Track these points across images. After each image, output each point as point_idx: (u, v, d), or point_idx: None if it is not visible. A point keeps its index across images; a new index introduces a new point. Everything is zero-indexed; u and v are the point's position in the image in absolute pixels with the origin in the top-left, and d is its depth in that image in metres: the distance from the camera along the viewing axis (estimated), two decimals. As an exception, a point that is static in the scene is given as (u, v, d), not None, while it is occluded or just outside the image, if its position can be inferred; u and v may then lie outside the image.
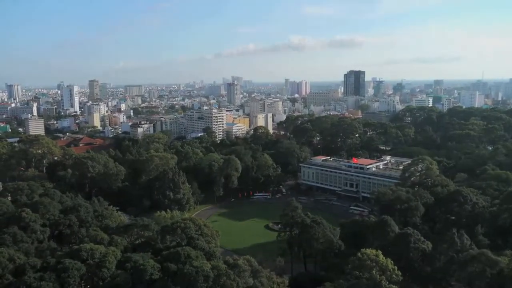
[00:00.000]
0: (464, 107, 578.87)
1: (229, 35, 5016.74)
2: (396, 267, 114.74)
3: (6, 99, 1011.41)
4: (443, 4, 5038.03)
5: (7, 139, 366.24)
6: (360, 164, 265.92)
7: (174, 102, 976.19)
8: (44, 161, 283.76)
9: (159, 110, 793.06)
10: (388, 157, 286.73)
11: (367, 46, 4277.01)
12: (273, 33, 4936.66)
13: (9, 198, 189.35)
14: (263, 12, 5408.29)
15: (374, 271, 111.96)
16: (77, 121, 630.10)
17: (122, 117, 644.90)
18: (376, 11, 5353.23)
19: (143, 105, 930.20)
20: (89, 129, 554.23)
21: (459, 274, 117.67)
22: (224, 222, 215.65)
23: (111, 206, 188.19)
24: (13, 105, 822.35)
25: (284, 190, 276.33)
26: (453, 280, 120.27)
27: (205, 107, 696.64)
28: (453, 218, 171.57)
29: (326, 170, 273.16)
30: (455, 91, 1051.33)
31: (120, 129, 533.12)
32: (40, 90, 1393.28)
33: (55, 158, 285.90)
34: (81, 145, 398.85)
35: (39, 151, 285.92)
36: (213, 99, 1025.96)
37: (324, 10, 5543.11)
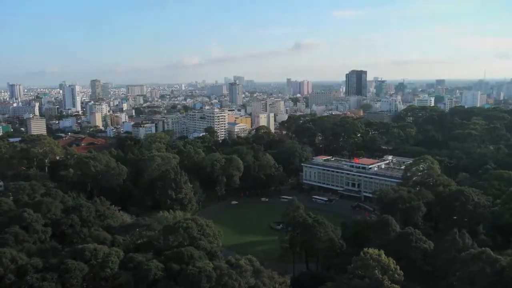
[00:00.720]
0: (466, 106, 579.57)
1: (242, 35, 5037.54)
2: (398, 267, 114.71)
3: (8, 99, 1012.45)
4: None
5: (9, 139, 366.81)
6: (362, 164, 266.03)
7: (176, 102, 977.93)
8: (46, 160, 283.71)
9: (161, 110, 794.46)
10: (390, 157, 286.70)
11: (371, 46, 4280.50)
12: (286, 34, 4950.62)
13: (11, 197, 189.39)
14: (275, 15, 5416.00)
15: (376, 271, 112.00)
16: (79, 121, 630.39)
17: (124, 117, 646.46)
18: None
19: (145, 104, 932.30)
20: (91, 129, 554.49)
21: (461, 273, 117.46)
22: (225, 222, 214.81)
23: (113, 206, 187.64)
24: (15, 104, 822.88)
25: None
26: (455, 280, 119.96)
27: (206, 107, 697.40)
28: (455, 217, 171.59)
29: (328, 170, 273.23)
30: (457, 91, 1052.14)
31: (122, 129, 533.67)
32: (42, 90, 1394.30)
33: (57, 157, 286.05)
34: (82, 144, 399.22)
35: (41, 151, 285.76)
36: (215, 98, 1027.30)
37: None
